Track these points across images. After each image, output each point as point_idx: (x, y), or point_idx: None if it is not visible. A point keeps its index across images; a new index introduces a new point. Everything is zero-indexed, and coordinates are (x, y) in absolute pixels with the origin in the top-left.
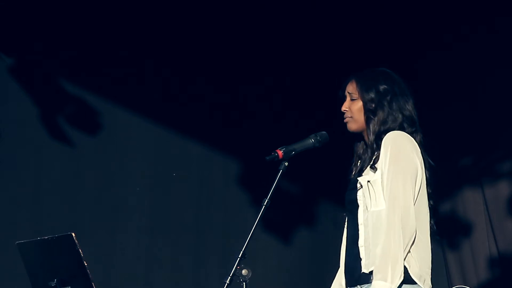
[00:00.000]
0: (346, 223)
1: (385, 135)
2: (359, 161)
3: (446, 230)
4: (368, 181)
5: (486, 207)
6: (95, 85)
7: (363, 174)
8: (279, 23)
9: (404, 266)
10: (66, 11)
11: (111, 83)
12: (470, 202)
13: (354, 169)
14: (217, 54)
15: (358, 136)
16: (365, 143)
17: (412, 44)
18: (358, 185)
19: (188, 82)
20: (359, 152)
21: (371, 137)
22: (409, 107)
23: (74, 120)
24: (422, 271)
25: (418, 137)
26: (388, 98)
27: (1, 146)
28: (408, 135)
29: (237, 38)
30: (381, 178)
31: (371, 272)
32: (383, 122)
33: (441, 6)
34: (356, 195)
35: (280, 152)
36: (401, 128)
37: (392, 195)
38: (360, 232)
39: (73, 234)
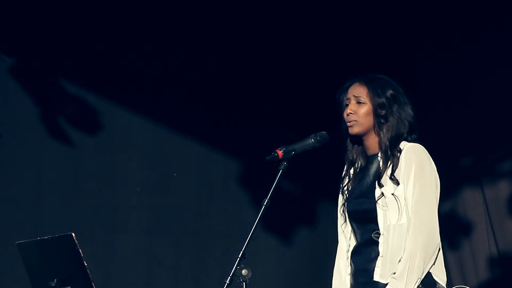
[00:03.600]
0: (350, 232)
1: (399, 141)
2: (352, 168)
3: (446, 230)
4: (393, 194)
5: (486, 207)
6: (95, 85)
7: (381, 182)
8: (280, 24)
9: (434, 279)
10: (66, 11)
11: (111, 83)
12: (470, 202)
13: (347, 176)
14: (217, 54)
15: (354, 140)
16: (361, 149)
17: (413, 44)
18: (378, 193)
19: (189, 82)
20: (352, 157)
21: (385, 143)
22: (412, 114)
23: (74, 120)
24: (445, 277)
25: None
26: (396, 105)
27: (1, 146)
28: (425, 149)
29: (237, 38)
30: (404, 192)
31: (385, 285)
32: (395, 127)
33: (441, 6)
34: (375, 205)
35: (280, 152)
36: (409, 134)
37: (419, 215)
38: (380, 241)
39: (73, 234)
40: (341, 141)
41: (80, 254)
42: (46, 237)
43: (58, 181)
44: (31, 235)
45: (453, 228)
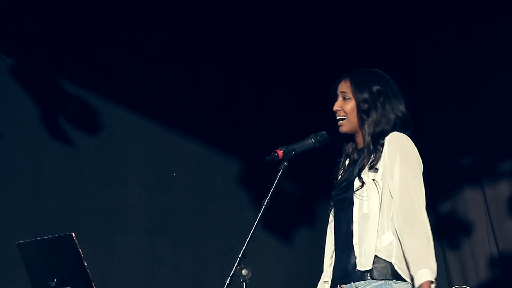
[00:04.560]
0: (333, 221)
1: (381, 136)
2: (348, 160)
3: (446, 230)
4: (373, 180)
5: (487, 207)
6: (95, 85)
7: (362, 175)
8: (280, 24)
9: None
10: (66, 11)
11: (111, 83)
12: (470, 202)
13: (342, 168)
14: (217, 54)
15: (348, 136)
16: (355, 144)
17: (413, 44)
18: (357, 184)
19: (188, 82)
20: (348, 151)
21: (367, 138)
22: (402, 108)
23: (74, 120)
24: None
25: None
26: (381, 99)
27: (1, 146)
28: (407, 137)
29: (237, 38)
30: (389, 177)
31: (366, 271)
32: (377, 123)
33: (441, 6)
34: (353, 194)
35: (280, 152)
36: (394, 129)
37: (412, 191)
38: (354, 230)
39: (73, 234)
40: (339, 137)
41: (80, 254)
42: (46, 237)
43: (58, 181)
44: (31, 235)
45: (453, 228)
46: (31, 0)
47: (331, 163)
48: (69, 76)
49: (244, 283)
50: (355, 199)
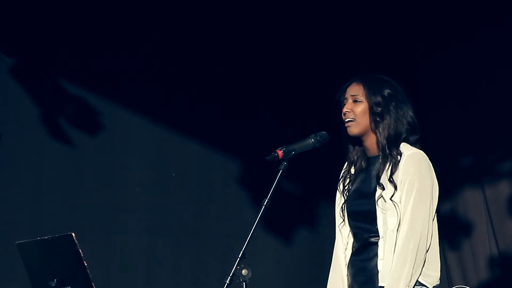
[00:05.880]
0: (347, 232)
1: (397, 140)
2: (353, 168)
3: (447, 230)
4: (391, 199)
5: (487, 207)
6: (95, 85)
7: (381, 182)
8: (280, 23)
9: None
10: (66, 11)
11: (111, 83)
12: (471, 202)
13: (348, 177)
14: (217, 54)
15: (355, 140)
16: (362, 149)
17: (413, 44)
18: (379, 194)
19: (188, 82)
20: (353, 158)
21: (383, 142)
22: (411, 114)
23: (74, 120)
24: (436, 279)
25: (418, 146)
26: (393, 103)
27: (1, 146)
28: (426, 156)
29: (237, 38)
30: (401, 200)
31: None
32: (391, 126)
33: (441, 6)
34: (375, 207)
35: (280, 152)
36: (407, 134)
37: (413, 224)
38: (380, 245)
39: (73, 234)
40: (342, 142)
41: (80, 254)
42: (46, 237)
43: (58, 181)
44: (31, 235)
45: (453, 228)
46: (31, 0)
47: (331, 163)
48: (69, 76)
49: (244, 283)
50: (378, 212)
